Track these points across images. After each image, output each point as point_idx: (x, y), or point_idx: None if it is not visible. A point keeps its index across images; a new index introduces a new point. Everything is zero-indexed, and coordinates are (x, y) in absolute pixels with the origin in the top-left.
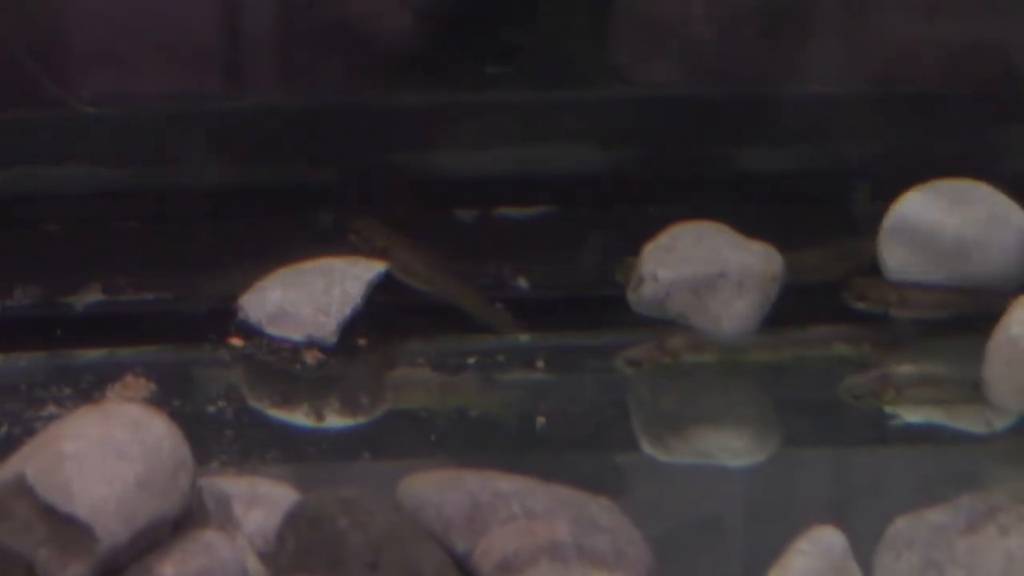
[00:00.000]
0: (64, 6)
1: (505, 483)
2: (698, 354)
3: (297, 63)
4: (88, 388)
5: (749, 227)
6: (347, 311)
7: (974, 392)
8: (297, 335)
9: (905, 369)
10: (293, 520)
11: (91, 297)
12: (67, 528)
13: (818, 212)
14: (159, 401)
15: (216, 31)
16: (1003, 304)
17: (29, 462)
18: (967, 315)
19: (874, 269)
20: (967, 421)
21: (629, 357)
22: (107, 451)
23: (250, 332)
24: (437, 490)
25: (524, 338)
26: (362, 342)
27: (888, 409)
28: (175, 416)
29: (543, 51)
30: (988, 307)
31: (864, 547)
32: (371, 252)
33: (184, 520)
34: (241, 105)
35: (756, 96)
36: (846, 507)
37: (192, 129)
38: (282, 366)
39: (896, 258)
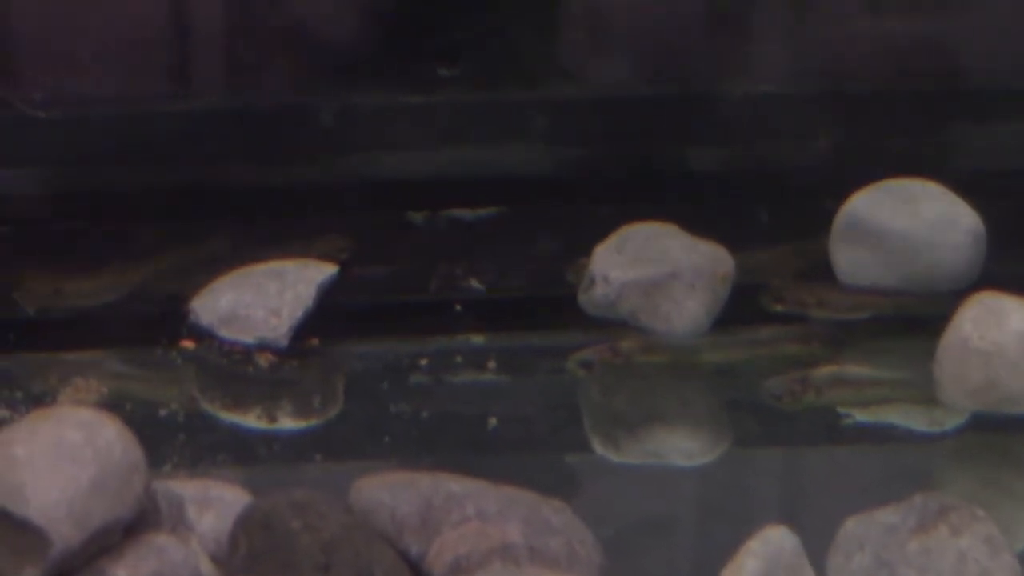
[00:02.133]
0: (10, 9)
1: (457, 485)
2: (650, 355)
3: (246, 65)
4: (39, 392)
5: (700, 228)
6: (299, 313)
7: (901, 392)
8: (249, 337)
9: (825, 369)
10: (245, 523)
11: (43, 300)
12: (20, 532)
13: (769, 212)
14: (111, 404)
15: (165, 34)
16: (928, 305)
17: None
18: (889, 318)
19: (825, 268)
20: (918, 421)
21: (581, 359)
22: (59, 455)
23: (202, 335)
24: (390, 492)
25: (476, 339)
26: (314, 344)
27: (841, 409)
28: (127, 419)
29: (493, 52)
30: (910, 309)
31: (816, 547)
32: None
33: (137, 523)
34: (189, 107)
35: (706, 95)
36: (797, 507)
37: (141, 131)
38: (234, 368)
39: (846, 258)
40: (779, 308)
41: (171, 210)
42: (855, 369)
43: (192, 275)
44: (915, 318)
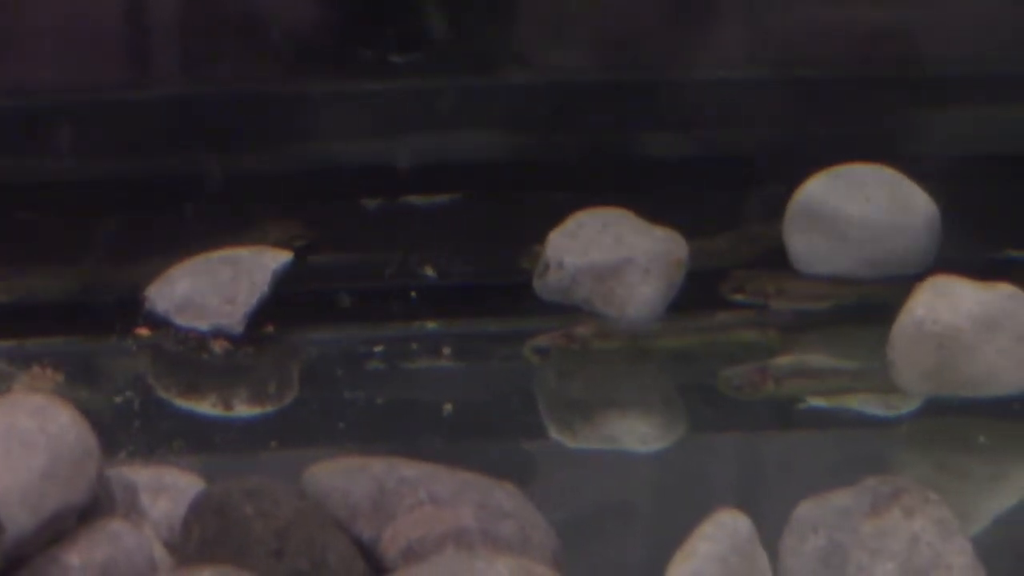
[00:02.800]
0: None
1: (410, 470)
2: (605, 341)
3: (200, 54)
4: None
5: (655, 213)
6: (254, 300)
7: (861, 382)
8: (204, 324)
9: (784, 359)
10: (198, 509)
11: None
12: None
13: (724, 198)
14: (66, 392)
15: (118, 22)
16: (888, 292)
17: None
18: (847, 306)
19: (780, 254)
20: (873, 405)
21: (536, 345)
22: (12, 441)
23: (157, 322)
24: (343, 477)
25: (431, 325)
26: (269, 331)
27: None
28: (82, 407)
29: (447, 39)
30: (871, 296)
31: (770, 531)
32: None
33: (90, 509)
34: (143, 96)
35: (661, 82)
36: (752, 491)
37: (94, 120)
38: (189, 355)
39: (801, 243)
40: (739, 298)
41: (127, 199)
42: (815, 358)
43: (148, 263)
44: (874, 305)
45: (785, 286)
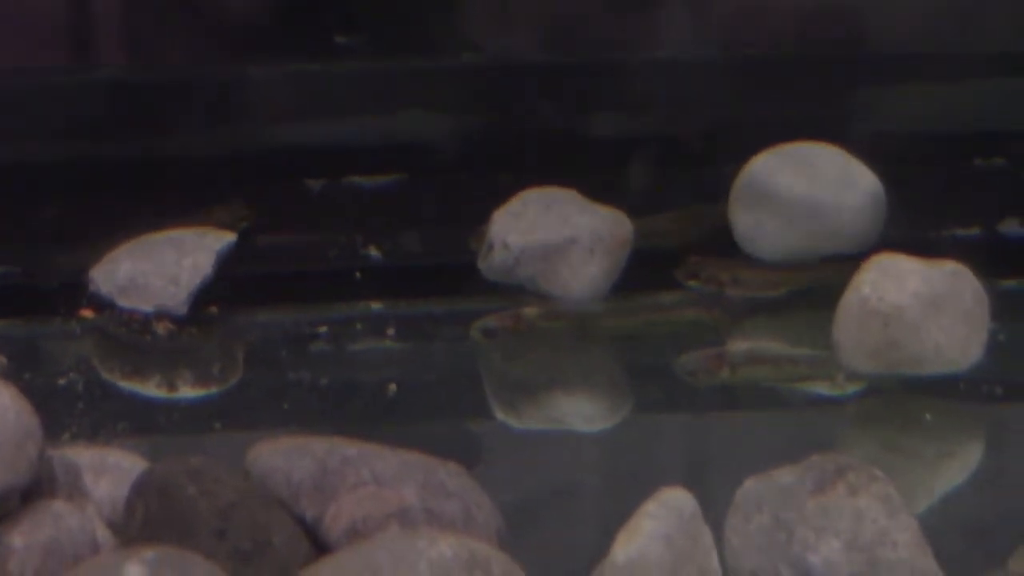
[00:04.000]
0: None
1: (353, 449)
2: (550, 321)
3: (144, 36)
4: None
5: (599, 193)
6: (197, 281)
7: (815, 371)
8: (147, 306)
9: (741, 345)
10: (141, 489)
11: None
12: None
13: (668, 177)
14: (9, 374)
15: (60, 4)
16: (840, 278)
17: None
18: (801, 292)
19: (725, 233)
20: (818, 384)
21: (483, 327)
22: None
23: (101, 304)
24: (285, 457)
25: (376, 306)
26: (213, 312)
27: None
28: (26, 389)
29: (391, 20)
30: (824, 283)
31: (716, 509)
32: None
33: (32, 490)
34: (87, 79)
35: (605, 62)
36: (697, 470)
37: (38, 103)
38: (133, 337)
39: (746, 222)
40: (693, 284)
41: (68, 182)
42: (771, 345)
43: (91, 245)
44: (826, 288)
45: (740, 274)
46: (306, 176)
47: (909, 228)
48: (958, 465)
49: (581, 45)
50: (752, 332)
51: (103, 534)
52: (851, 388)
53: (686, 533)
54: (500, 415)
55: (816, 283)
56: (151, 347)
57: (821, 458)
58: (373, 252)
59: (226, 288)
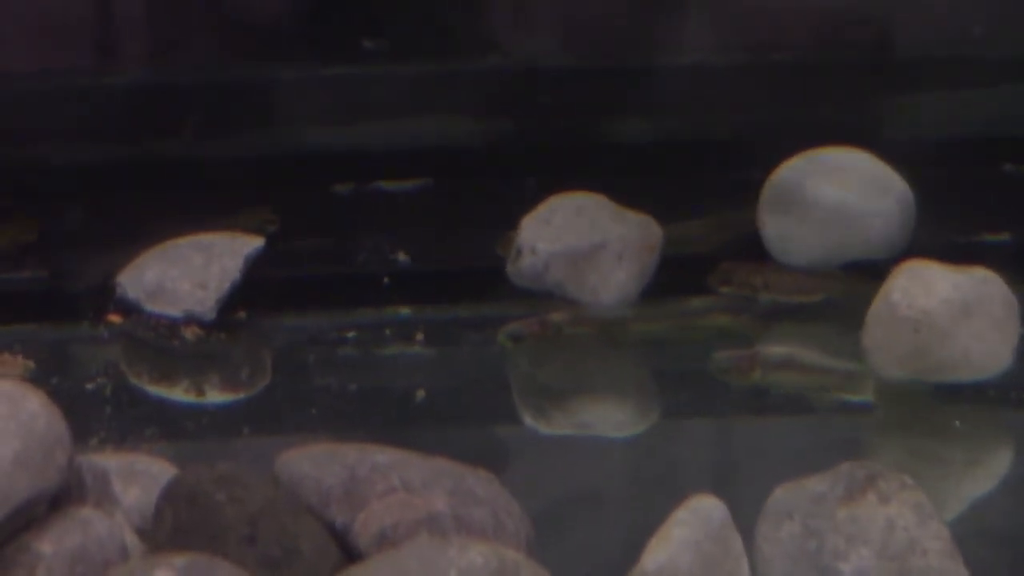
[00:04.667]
0: None
1: (382, 456)
2: (578, 327)
3: (170, 40)
4: None
5: (629, 199)
6: (226, 286)
7: (847, 384)
8: (176, 311)
9: (776, 350)
10: (170, 496)
11: None
12: None
13: (698, 183)
14: (37, 379)
15: (86, 8)
16: (873, 287)
17: None
18: (835, 300)
19: (755, 239)
20: (847, 390)
21: (510, 332)
22: None
23: (129, 309)
24: (315, 464)
25: (404, 311)
26: (241, 317)
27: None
28: (54, 394)
29: (417, 24)
30: (856, 290)
31: (746, 516)
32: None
33: (61, 497)
34: (114, 82)
35: (634, 68)
36: (727, 477)
37: (65, 106)
38: (161, 342)
39: (775, 228)
40: (726, 290)
41: (97, 185)
42: (806, 353)
43: (119, 249)
44: (859, 297)
45: (772, 279)
46: (334, 181)
47: (939, 234)
48: (988, 472)
49: (606, 48)
50: (783, 338)
51: (132, 541)
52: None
53: (716, 541)
54: (529, 421)
55: (850, 290)
56: (179, 352)
57: (851, 465)
58: (402, 257)
59: (254, 293)
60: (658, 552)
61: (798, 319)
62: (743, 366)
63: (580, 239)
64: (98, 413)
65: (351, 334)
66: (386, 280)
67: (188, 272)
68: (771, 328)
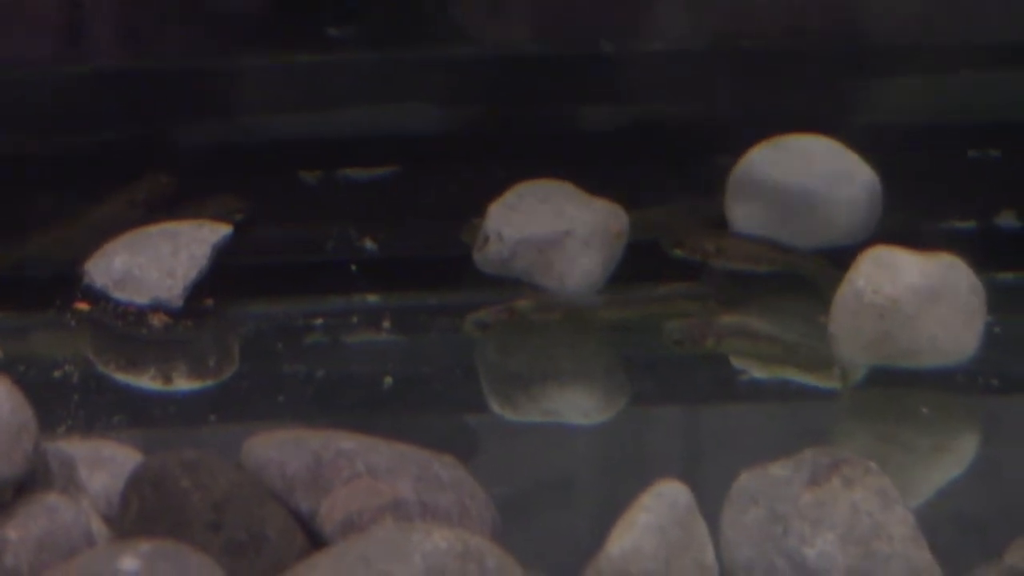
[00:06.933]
0: None
1: (348, 442)
2: (545, 313)
3: (136, 28)
4: None
5: (594, 185)
6: (193, 274)
7: (797, 354)
8: (143, 299)
9: (728, 319)
10: (136, 482)
11: None
12: None
13: (664, 170)
14: (4, 366)
15: None
16: (821, 265)
17: None
18: (781, 272)
19: (721, 226)
20: (814, 376)
21: (477, 320)
22: None
23: (96, 296)
24: (280, 450)
25: (371, 299)
26: (209, 305)
27: (739, 360)
28: (20, 381)
29: (384, 11)
30: (809, 267)
31: (711, 502)
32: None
33: (27, 483)
34: (82, 70)
35: (599, 54)
36: (694, 463)
37: (29, 95)
38: (128, 330)
39: (742, 214)
40: (679, 253)
41: (63, 174)
42: (758, 322)
43: (86, 237)
44: (815, 273)
45: (725, 245)
46: (301, 168)
47: (905, 221)
48: (954, 458)
49: (575, 35)
50: (740, 314)
51: (98, 527)
52: (846, 382)
53: (681, 526)
54: (495, 408)
55: (800, 267)
56: (146, 340)
57: (816, 451)
58: (368, 244)
59: (222, 281)
60: (623, 538)
61: (765, 301)
62: (696, 335)
63: (546, 226)
64: (65, 401)
65: (318, 321)
66: (353, 267)
67: (156, 260)
68: (738, 312)
